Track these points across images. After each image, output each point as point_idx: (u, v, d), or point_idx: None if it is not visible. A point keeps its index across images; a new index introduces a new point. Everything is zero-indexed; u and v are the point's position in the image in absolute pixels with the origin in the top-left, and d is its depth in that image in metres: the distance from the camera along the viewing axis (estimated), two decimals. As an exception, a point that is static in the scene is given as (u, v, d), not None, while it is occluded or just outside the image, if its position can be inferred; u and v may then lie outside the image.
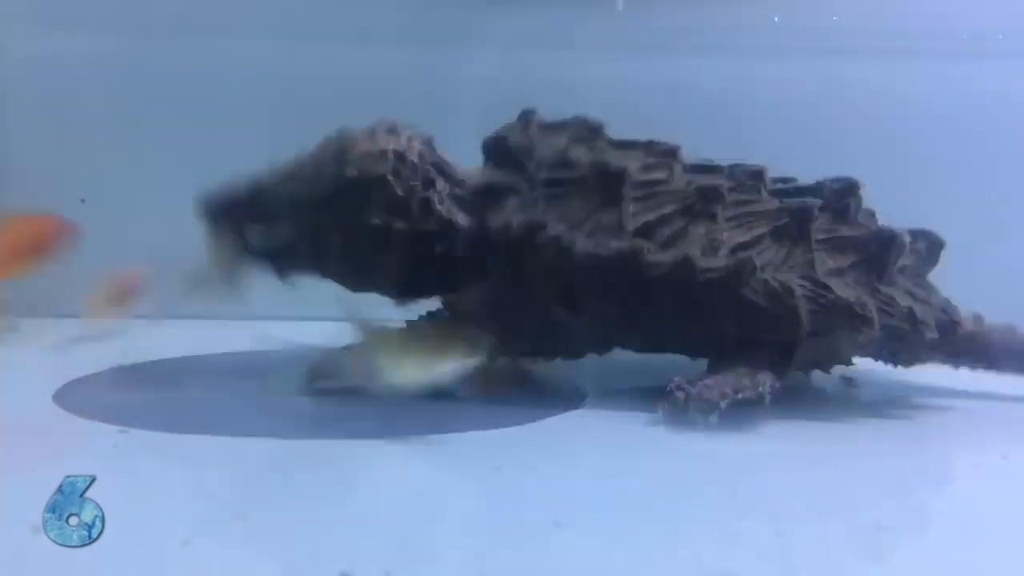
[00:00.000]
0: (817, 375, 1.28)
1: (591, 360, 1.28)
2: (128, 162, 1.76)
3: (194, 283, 1.27)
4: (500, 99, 1.56)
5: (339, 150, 1.23)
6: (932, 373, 1.29)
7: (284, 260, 1.28)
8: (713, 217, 1.18)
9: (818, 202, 1.20)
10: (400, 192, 1.21)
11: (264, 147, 1.67)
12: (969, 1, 1.73)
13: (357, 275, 1.26)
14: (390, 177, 1.20)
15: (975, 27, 1.72)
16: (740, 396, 1.09)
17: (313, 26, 1.76)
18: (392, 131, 1.24)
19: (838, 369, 1.28)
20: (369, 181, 1.20)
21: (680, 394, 1.08)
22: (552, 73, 1.71)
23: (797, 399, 1.21)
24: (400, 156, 1.21)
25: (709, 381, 1.10)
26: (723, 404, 1.08)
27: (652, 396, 1.11)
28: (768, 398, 1.11)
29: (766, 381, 1.11)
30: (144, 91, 1.76)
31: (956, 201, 1.68)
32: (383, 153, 1.21)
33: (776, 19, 1.74)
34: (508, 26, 1.75)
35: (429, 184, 1.22)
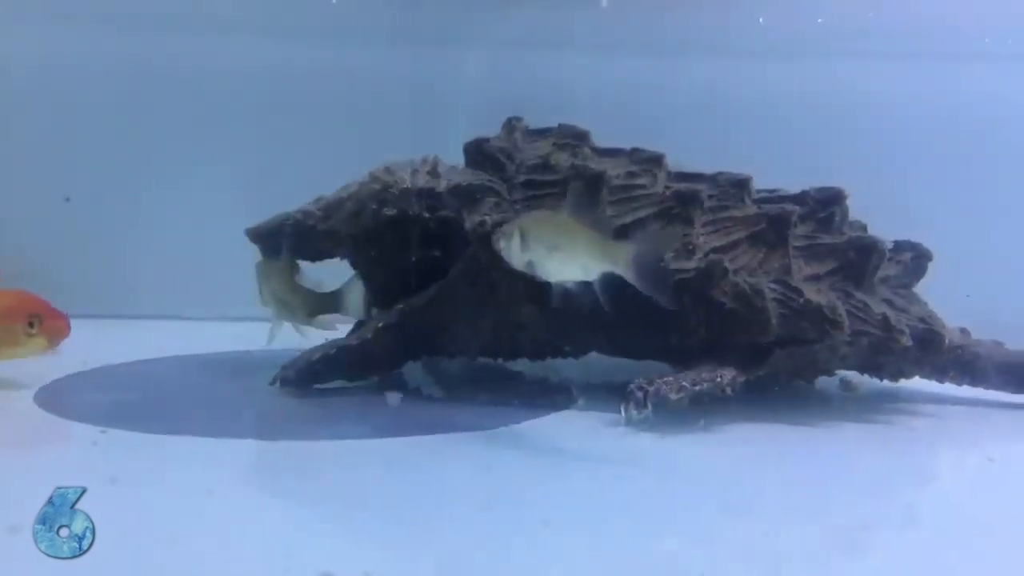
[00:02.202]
0: (828, 380, 1.30)
1: (582, 361, 1.30)
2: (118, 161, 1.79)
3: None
4: (489, 97, 1.60)
5: (380, 189, 1.28)
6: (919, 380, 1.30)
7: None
8: (690, 222, 1.20)
9: (796, 208, 1.22)
10: (433, 226, 1.27)
11: (261, 146, 1.73)
12: (957, 4, 1.74)
13: (393, 297, 1.30)
14: (426, 214, 1.27)
15: (964, 29, 1.73)
16: (697, 388, 1.11)
17: (308, 26, 1.79)
18: (433, 173, 1.30)
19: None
20: (408, 220, 1.27)
21: (640, 393, 1.10)
22: (539, 72, 1.74)
23: (786, 403, 1.23)
24: (435, 194, 1.27)
25: (668, 378, 1.13)
26: (676, 396, 1.10)
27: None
28: (729, 390, 1.13)
29: (726, 375, 1.13)
30: (133, 91, 1.79)
31: (945, 202, 1.70)
32: (420, 192, 1.27)
33: (761, 20, 1.75)
34: (495, 25, 1.78)
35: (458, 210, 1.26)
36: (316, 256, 1.34)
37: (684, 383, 1.11)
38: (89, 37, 1.76)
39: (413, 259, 1.27)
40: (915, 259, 1.29)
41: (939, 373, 1.27)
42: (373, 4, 1.80)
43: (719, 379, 1.12)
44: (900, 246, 1.29)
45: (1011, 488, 1.00)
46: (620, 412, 1.11)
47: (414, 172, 1.29)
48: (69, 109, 1.79)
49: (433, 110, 1.76)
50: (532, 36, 1.77)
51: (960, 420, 1.23)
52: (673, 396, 1.10)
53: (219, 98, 1.79)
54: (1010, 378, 1.27)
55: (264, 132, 1.77)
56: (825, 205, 1.26)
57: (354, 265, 1.31)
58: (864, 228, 1.29)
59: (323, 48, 1.77)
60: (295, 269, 1.35)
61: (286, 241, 1.33)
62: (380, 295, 1.30)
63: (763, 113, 1.75)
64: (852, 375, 1.31)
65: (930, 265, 1.29)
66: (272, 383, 1.25)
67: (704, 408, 1.12)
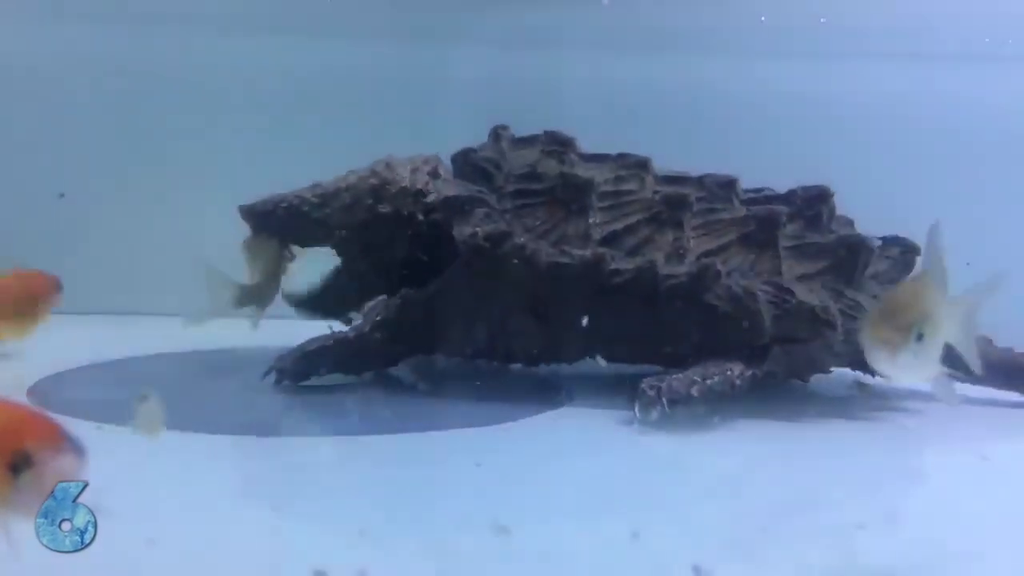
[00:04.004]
0: (825, 379, 1.30)
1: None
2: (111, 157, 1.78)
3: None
4: (487, 96, 1.60)
5: (378, 185, 1.30)
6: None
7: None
8: (680, 225, 1.22)
9: (784, 209, 1.24)
10: (425, 229, 1.29)
11: (256, 144, 1.72)
12: (957, 5, 1.75)
13: (373, 291, 1.32)
14: (420, 216, 1.28)
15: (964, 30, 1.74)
16: (708, 382, 1.12)
17: (303, 23, 1.79)
18: (433, 174, 1.32)
19: (838, 373, 1.30)
20: (401, 219, 1.29)
21: (651, 392, 1.11)
22: (539, 71, 1.74)
23: (778, 401, 1.23)
24: (429, 198, 1.28)
25: (678, 375, 1.13)
26: (694, 391, 1.11)
27: (633, 396, 1.14)
28: (739, 382, 1.14)
29: (735, 368, 1.15)
30: (125, 86, 1.78)
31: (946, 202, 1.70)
32: (417, 193, 1.29)
33: (763, 19, 1.76)
34: (494, 23, 1.77)
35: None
36: (304, 242, 1.33)
37: (695, 378, 1.12)
38: (85, 34, 1.75)
39: (398, 258, 1.29)
40: (903, 254, 1.31)
41: None
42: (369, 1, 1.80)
43: (729, 372, 1.14)
44: (888, 242, 1.31)
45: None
46: (634, 411, 1.11)
47: (414, 171, 1.31)
48: (64, 105, 1.78)
49: (432, 108, 1.76)
50: (533, 34, 1.77)
51: (956, 418, 1.22)
52: (687, 391, 1.10)
53: (214, 96, 1.78)
54: (997, 375, 1.28)
55: (259, 131, 1.77)
56: (812, 204, 1.27)
57: (339, 255, 1.30)
58: (852, 224, 1.31)
59: (319, 46, 1.77)
60: (285, 252, 1.33)
61: (272, 220, 1.32)
62: (358, 291, 1.31)
63: (764, 113, 1.76)
64: (864, 376, 1.31)
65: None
66: (266, 375, 1.25)
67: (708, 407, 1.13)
